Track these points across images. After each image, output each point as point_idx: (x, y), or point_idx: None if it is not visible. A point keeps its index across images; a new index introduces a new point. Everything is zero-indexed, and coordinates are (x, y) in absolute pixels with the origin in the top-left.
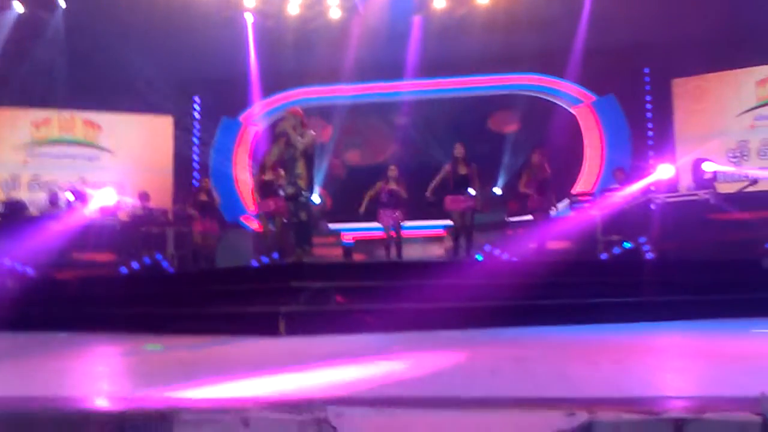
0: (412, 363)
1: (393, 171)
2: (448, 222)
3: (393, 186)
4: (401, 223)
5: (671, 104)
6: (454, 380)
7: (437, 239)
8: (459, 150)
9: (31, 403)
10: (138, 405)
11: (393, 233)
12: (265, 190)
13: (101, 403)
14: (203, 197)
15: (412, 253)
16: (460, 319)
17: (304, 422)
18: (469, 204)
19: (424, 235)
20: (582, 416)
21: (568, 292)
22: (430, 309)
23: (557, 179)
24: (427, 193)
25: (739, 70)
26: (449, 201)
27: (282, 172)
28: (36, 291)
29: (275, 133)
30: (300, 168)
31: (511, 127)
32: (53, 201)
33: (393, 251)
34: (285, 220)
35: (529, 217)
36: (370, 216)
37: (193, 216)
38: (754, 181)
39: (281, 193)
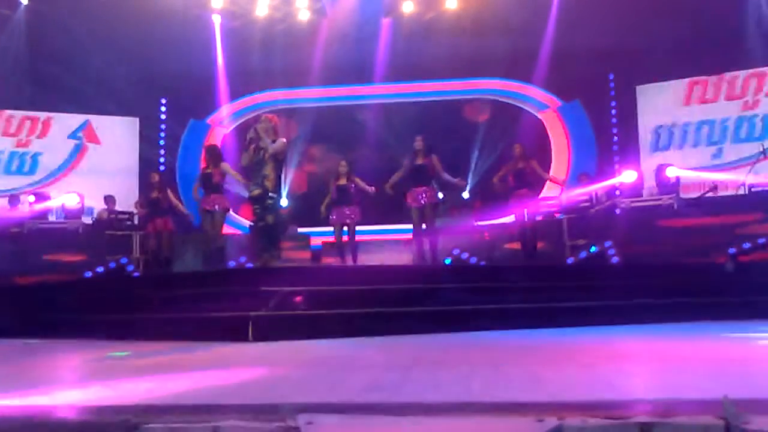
0: (382, 368)
1: (343, 167)
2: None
3: (342, 182)
4: (355, 223)
5: (635, 110)
6: (425, 385)
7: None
8: (418, 142)
9: None
10: (104, 414)
11: (345, 238)
12: (206, 184)
13: (65, 412)
14: (154, 195)
15: (379, 258)
16: (430, 323)
17: (274, 430)
18: (427, 199)
19: (391, 238)
20: (551, 422)
21: (534, 296)
22: (400, 313)
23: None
24: (387, 186)
25: (701, 78)
26: (408, 196)
27: (228, 168)
28: None
29: (247, 138)
30: (267, 170)
31: (484, 116)
32: (14, 203)
33: (348, 257)
34: (251, 223)
35: (505, 218)
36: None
37: (139, 215)
38: (714, 188)
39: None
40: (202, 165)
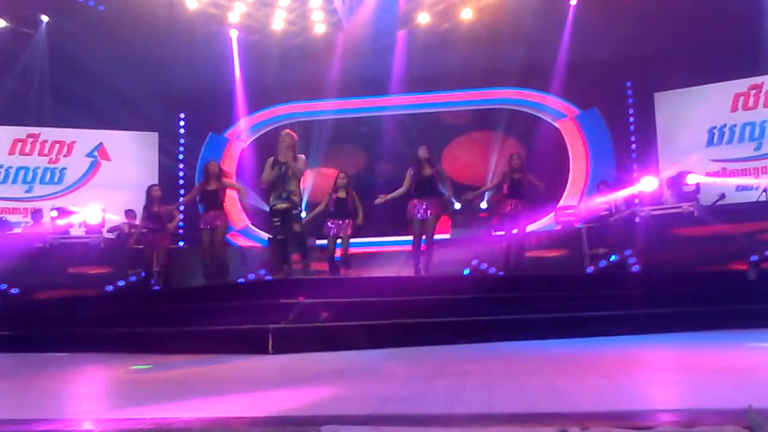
0: (403, 379)
1: (342, 179)
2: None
3: (342, 195)
4: (348, 236)
5: (654, 117)
6: (446, 397)
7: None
8: (423, 152)
9: (19, 426)
10: (130, 426)
11: (339, 250)
12: (207, 200)
13: (91, 425)
14: (155, 208)
15: (385, 270)
16: (450, 334)
17: None
18: (433, 212)
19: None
20: None
21: (554, 306)
22: (419, 325)
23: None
24: (381, 200)
25: (718, 84)
26: (410, 207)
27: (228, 180)
28: (20, 311)
29: (276, 159)
30: (293, 186)
31: (501, 126)
32: (37, 219)
33: (341, 268)
34: (270, 236)
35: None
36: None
37: (132, 230)
38: (722, 196)
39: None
40: (202, 181)
